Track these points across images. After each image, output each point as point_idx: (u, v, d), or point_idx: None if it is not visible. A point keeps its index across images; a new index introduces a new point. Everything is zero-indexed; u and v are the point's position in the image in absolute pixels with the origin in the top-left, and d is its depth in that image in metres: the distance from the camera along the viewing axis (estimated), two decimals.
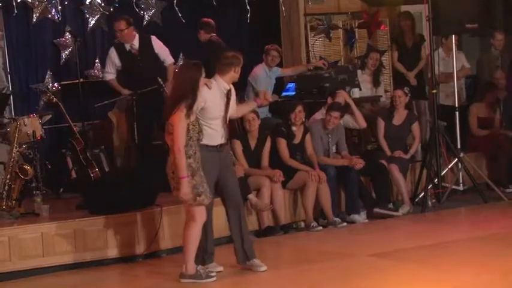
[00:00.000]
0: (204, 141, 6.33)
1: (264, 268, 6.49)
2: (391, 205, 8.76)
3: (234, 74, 6.48)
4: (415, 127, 9.23)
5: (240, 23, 10.47)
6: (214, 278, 6.30)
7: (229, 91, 6.47)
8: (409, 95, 9.11)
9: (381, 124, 9.09)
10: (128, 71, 8.48)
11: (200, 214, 6.22)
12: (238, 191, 6.59)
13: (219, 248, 6.91)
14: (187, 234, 6.27)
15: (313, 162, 8.35)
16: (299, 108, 8.38)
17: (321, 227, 8.13)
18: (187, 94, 6.08)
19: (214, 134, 6.39)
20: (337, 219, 8.24)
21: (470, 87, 10.86)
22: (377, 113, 9.34)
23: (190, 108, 6.08)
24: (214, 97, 6.36)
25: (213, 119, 6.37)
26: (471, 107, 10.08)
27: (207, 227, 6.47)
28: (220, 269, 6.56)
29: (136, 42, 8.55)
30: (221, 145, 6.42)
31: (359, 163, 8.53)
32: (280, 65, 9.91)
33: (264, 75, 9.24)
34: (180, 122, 6.04)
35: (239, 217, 6.52)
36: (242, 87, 8.98)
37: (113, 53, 8.57)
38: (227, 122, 6.49)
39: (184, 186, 6.04)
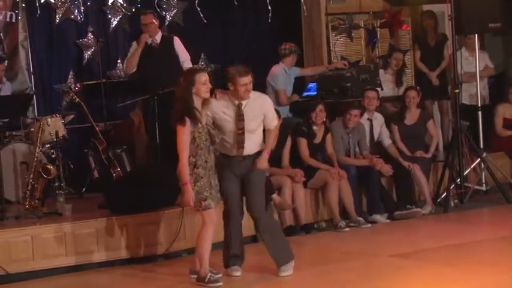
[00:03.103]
0: (221, 150, 6.35)
1: (285, 273, 6.44)
2: (412, 206, 8.71)
3: (237, 87, 6.20)
4: (431, 125, 9.23)
5: (261, 23, 10.47)
6: (219, 284, 6.25)
7: (240, 105, 6.24)
8: (421, 93, 9.15)
9: (395, 129, 9.10)
10: (145, 64, 8.49)
11: (209, 217, 6.24)
12: (258, 200, 6.44)
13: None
14: (199, 238, 6.33)
15: (333, 161, 8.33)
16: (320, 107, 8.37)
17: (348, 228, 8.08)
18: (180, 101, 6.10)
19: (228, 147, 6.34)
20: (361, 219, 8.20)
21: (493, 87, 10.78)
22: (388, 118, 9.28)
23: (189, 115, 6.06)
24: (222, 110, 6.27)
25: (224, 132, 6.30)
26: (498, 107, 10.00)
27: (232, 230, 6.48)
28: (239, 274, 6.54)
29: (158, 38, 8.60)
30: (238, 157, 6.33)
31: (379, 163, 8.50)
32: (301, 64, 9.90)
33: (283, 74, 9.22)
34: (180, 134, 6.07)
35: (258, 226, 6.48)
36: (261, 88, 8.97)
37: (135, 46, 8.61)
38: (244, 133, 6.25)
39: (187, 191, 6.10)
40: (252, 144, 6.35)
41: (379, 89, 9.53)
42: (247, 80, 6.21)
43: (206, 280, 6.26)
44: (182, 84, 6.17)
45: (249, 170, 6.39)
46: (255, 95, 6.38)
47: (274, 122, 6.50)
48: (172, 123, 6.16)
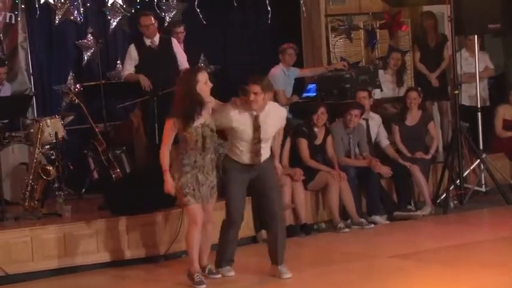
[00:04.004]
0: (231, 156, 6.35)
1: (287, 276, 6.43)
2: (412, 206, 8.72)
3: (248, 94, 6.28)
4: (432, 127, 9.22)
5: (261, 24, 10.46)
6: (202, 286, 6.23)
7: (258, 117, 6.26)
8: (422, 95, 9.13)
9: (395, 129, 9.09)
10: (146, 65, 8.49)
11: (191, 216, 6.26)
12: (278, 197, 6.52)
13: (240, 249, 6.92)
14: (185, 237, 6.38)
15: (334, 163, 8.33)
16: (322, 110, 8.36)
17: (347, 229, 8.09)
18: (180, 101, 6.10)
19: (240, 154, 6.33)
20: (364, 221, 8.20)
21: (493, 88, 10.78)
22: (389, 119, 9.28)
23: (184, 116, 6.06)
24: (238, 118, 6.26)
25: (239, 141, 6.30)
26: (498, 108, 10.00)
27: (230, 237, 6.48)
28: (232, 273, 6.54)
29: (156, 39, 8.62)
30: (249, 165, 6.33)
31: (377, 166, 8.49)
32: (301, 65, 9.89)
33: (282, 75, 9.24)
34: (167, 129, 6.14)
35: (276, 223, 6.45)
36: None
37: (132, 49, 8.61)
38: (260, 143, 6.28)
39: (166, 178, 6.16)
40: (264, 152, 6.39)
41: (378, 90, 9.55)
42: (253, 88, 6.21)
43: (194, 280, 6.27)
44: (185, 83, 6.15)
45: (262, 171, 6.40)
46: (274, 107, 6.47)
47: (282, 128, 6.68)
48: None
